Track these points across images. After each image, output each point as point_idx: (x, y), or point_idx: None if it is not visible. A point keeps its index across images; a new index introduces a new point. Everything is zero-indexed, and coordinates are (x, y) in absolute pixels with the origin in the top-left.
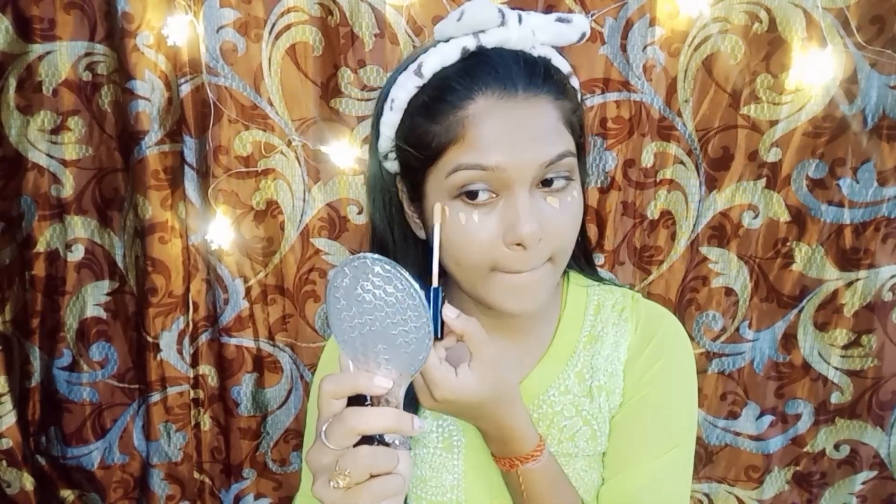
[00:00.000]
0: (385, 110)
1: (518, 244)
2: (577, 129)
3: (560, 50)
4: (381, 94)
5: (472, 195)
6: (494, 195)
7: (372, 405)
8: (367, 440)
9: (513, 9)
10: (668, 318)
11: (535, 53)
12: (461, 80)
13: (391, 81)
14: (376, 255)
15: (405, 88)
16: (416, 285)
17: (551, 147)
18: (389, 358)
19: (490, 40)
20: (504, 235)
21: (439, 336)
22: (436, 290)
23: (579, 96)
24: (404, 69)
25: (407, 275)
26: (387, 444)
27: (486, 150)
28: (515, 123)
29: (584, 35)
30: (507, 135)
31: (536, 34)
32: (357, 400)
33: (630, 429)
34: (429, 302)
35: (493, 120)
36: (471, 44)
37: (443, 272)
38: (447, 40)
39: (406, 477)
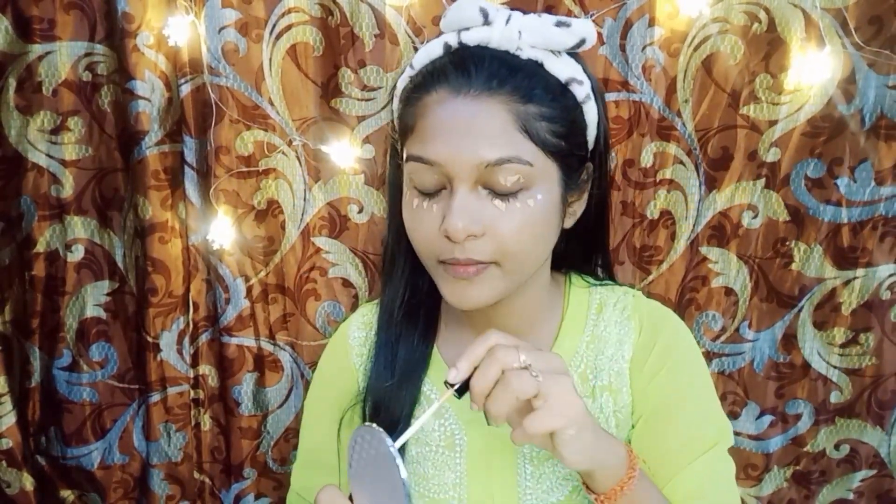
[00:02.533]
0: (393, 98)
1: (447, 237)
2: (548, 137)
3: (577, 56)
4: (392, 84)
5: (425, 185)
6: (444, 188)
7: None
8: None
9: (513, 9)
10: (671, 318)
11: (523, 56)
12: (429, 73)
13: (400, 73)
14: (389, 441)
15: (402, 79)
16: (406, 488)
17: (493, 150)
18: None
19: (471, 38)
20: (441, 224)
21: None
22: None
23: (587, 105)
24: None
25: (401, 466)
26: None
27: (428, 141)
28: (457, 120)
29: (582, 41)
30: (447, 130)
31: (524, 36)
32: None
33: (661, 438)
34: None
35: (439, 114)
36: (453, 40)
37: None
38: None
39: None
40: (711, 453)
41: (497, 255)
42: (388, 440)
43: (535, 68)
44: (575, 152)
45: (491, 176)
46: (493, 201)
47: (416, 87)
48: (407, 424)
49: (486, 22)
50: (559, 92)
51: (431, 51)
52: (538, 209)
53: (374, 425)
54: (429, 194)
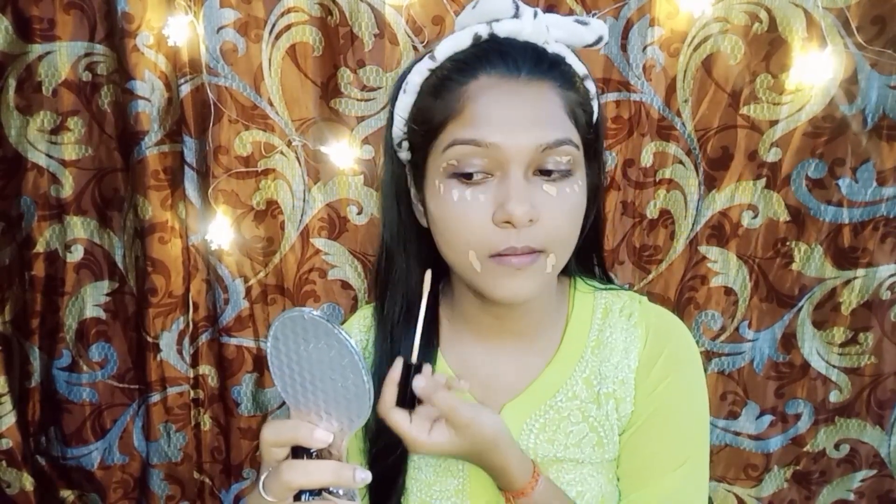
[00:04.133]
0: (399, 95)
1: (507, 222)
2: (584, 125)
3: (578, 55)
4: (395, 83)
5: (468, 176)
6: (489, 175)
7: (318, 455)
8: (308, 490)
9: (531, 6)
10: (678, 328)
11: (549, 50)
12: (468, 60)
13: (407, 70)
14: (314, 311)
15: (419, 72)
16: (352, 342)
17: (550, 132)
18: (330, 411)
19: (503, 30)
20: (494, 214)
21: (413, 406)
22: (409, 365)
23: (593, 99)
24: (421, 58)
25: (343, 332)
26: (330, 493)
27: (483, 126)
28: (515, 103)
29: (600, 38)
30: (505, 113)
31: (551, 30)
32: (301, 447)
33: (644, 446)
34: (407, 374)
35: (492, 97)
36: (483, 31)
37: (447, 268)
38: (463, 29)
39: None
40: (685, 468)
41: (548, 242)
42: (339, 328)
43: (563, 62)
44: (594, 144)
45: (545, 159)
46: (542, 186)
47: (452, 72)
48: None
49: (517, 15)
50: (582, 85)
51: (459, 42)
52: (580, 195)
53: (304, 310)
54: (471, 184)
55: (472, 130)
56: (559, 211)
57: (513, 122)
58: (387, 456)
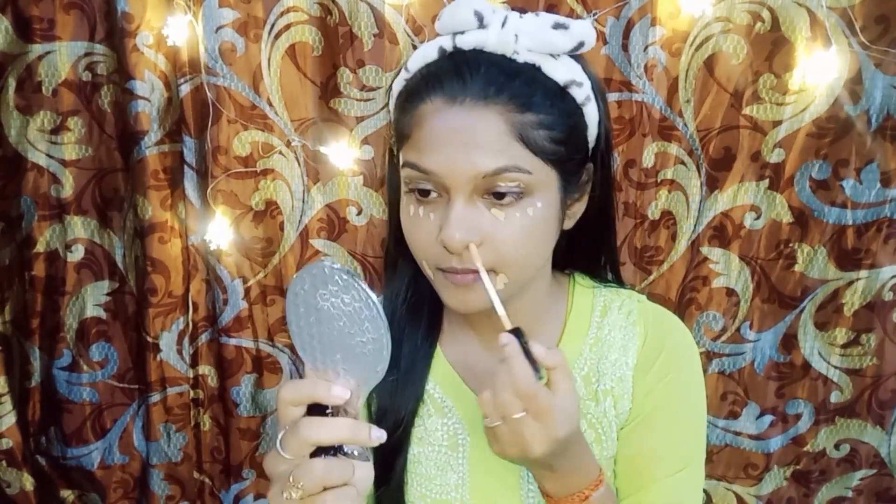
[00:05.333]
0: (390, 99)
1: (445, 247)
2: (546, 144)
3: (577, 56)
4: (388, 86)
5: (423, 193)
6: (440, 194)
7: (332, 414)
8: (324, 450)
9: (513, 9)
10: (677, 328)
11: (520, 59)
12: (424, 79)
13: (395, 75)
14: (335, 264)
15: (398, 81)
16: (374, 296)
17: (489, 160)
18: (348, 368)
19: (466, 42)
20: (439, 234)
21: (541, 376)
22: (516, 329)
23: (588, 107)
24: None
25: (364, 285)
26: (345, 454)
27: (424, 153)
28: (453, 130)
29: (581, 44)
30: (442, 141)
31: (520, 39)
32: (317, 407)
33: (643, 445)
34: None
35: (434, 123)
36: (447, 44)
37: None
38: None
39: (362, 487)
40: (683, 474)
41: (496, 263)
42: (360, 282)
43: (533, 73)
44: (574, 156)
45: (489, 185)
46: (490, 210)
47: (411, 93)
48: (410, 424)
49: (482, 25)
50: (558, 96)
51: (426, 54)
52: (538, 216)
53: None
54: (425, 202)
55: (416, 155)
56: (508, 234)
57: (449, 149)
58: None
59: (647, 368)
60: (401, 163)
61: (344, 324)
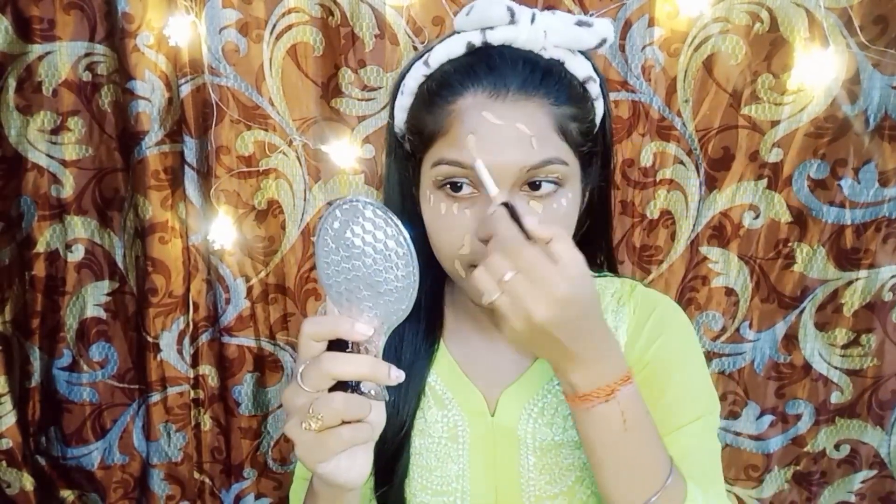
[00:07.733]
0: (398, 94)
1: (488, 239)
2: (578, 137)
3: (587, 54)
4: (395, 83)
5: (455, 187)
6: (476, 191)
7: (352, 352)
8: (342, 386)
9: (532, 7)
10: (664, 299)
11: (546, 55)
12: (457, 74)
13: (405, 71)
14: (369, 199)
15: (414, 76)
16: (407, 234)
17: (535, 152)
18: (372, 305)
19: (497, 38)
20: (478, 230)
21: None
22: (506, 204)
23: (598, 102)
24: (419, 58)
25: (398, 221)
26: (362, 393)
27: (467, 147)
28: (500, 126)
29: (603, 41)
30: (488, 136)
31: (548, 36)
32: (338, 344)
33: (653, 402)
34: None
35: (478, 119)
36: (476, 39)
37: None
38: (459, 33)
39: (377, 427)
40: (698, 424)
41: None
42: (395, 218)
43: (560, 68)
44: (593, 149)
45: (530, 177)
46: (529, 203)
47: (441, 87)
48: (412, 419)
49: (513, 21)
50: (581, 91)
51: (452, 49)
52: (569, 207)
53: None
54: (458, 198)
55: (456, 152)
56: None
57: (496, 144)
58: (390, 436)
59: (636, 339)
60: (433, 161)
61: (374, 260)
